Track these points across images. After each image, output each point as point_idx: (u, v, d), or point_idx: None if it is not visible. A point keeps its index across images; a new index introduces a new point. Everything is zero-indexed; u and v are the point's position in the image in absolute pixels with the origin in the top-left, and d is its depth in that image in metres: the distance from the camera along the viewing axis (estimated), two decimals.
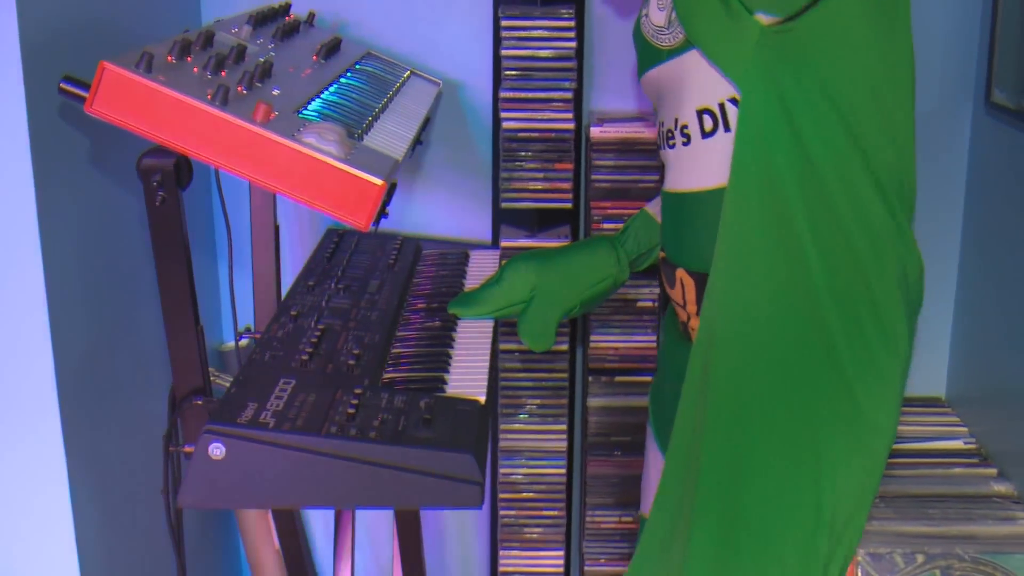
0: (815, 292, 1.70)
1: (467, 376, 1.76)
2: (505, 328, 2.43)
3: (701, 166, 1.72)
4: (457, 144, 2.52)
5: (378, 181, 1.44)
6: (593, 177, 2.39)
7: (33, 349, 1.66)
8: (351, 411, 1.56)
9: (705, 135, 1.69)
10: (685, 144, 1.73)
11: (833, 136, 1.66)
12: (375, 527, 2.77)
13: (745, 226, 1.68)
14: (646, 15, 1.81)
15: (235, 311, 2.17)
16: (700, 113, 1.69)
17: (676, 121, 1.74)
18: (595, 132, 2.36)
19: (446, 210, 2.56)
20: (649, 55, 1.81)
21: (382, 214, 1.56)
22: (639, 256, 2.03)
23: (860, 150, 1.67)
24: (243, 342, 2.34)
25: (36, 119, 1.59)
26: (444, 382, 1.74)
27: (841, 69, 1.65)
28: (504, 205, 2.37)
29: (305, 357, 1.72)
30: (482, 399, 1.67)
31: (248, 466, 1.50)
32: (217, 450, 1.48)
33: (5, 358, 1.67)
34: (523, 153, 2.34)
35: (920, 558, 2.16)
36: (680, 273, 1.83)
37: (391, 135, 1.69)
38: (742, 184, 1.67)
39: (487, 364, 1.81)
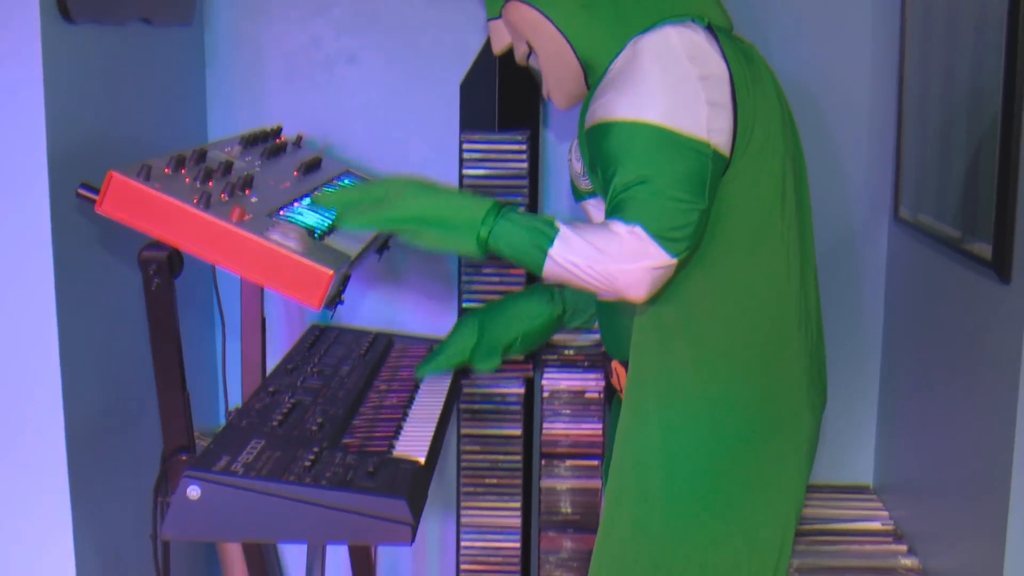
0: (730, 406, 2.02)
1: (413, 442, 2.06)
2: (467, 414, 2.74)
3: None
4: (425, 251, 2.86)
5: (328, 270, 1.77)
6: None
7: (46, 409, 1.99)
8: (308, 464, 1.86)
9: None
10: None
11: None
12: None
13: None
14: (570, 159, 2.16)
15: (227, 392, 2.50)
16: None
17: None
18: None
19: (416, 310, 2.90)
20: (576, 190, 2.16)
21: (337, 301, 1.88)
22: (577, 310, 2.32)
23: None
24: None
25: (58, 214, 1.96)
26: (392, 446, 2.04)
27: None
28: (465, 304, 2.70)
29: (275, 423, 2.03)
30: (422, 460, 1.96)
31: (220, 505, 1.80)
32: (194, 491, 1.78)
33: (22, 416, 1.99)
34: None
35: None
36: (615, 364, 2.15)
37: (350, 237, 2.02)
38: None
39: (431, 434, 2.11)
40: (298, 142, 2.59)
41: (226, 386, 2.51)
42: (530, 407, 2.80)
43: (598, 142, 1.91)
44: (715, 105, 1.88)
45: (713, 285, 1.99)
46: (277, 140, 2.49)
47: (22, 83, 1.91)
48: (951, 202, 2.37)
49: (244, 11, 2.84)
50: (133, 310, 2.32)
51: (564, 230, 1.85)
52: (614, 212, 1.86)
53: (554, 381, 2.71)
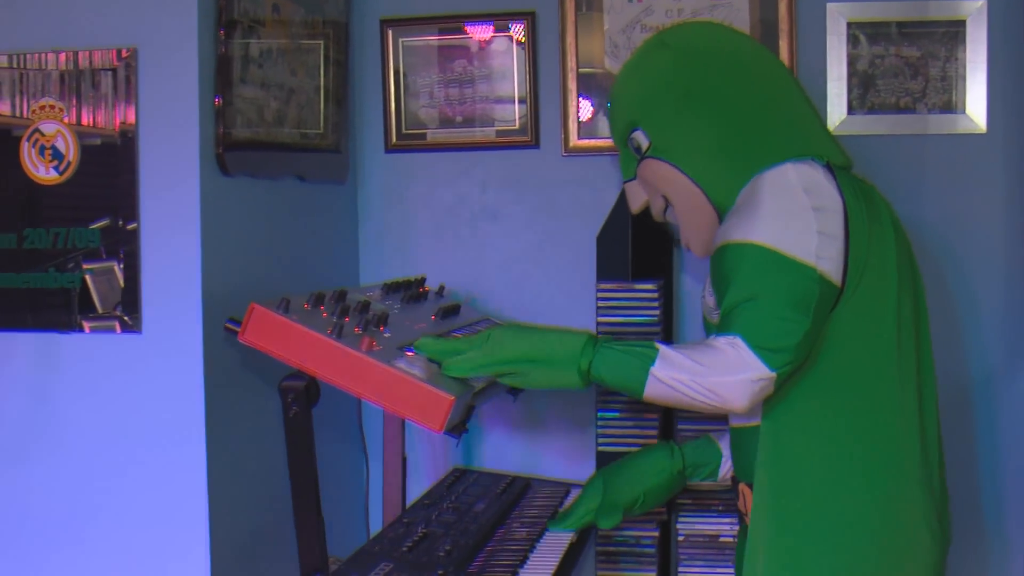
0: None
1: (537, 571, 2.13)
2: (602, 556, 2.78)
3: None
4: (562, 397, 2.96)
5: (449, 395, 1.87)
6: (679, 426, 2.77)
7: (192, 528, 2.16)
8: None
9: None
10: None
11: None
12: None
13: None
14: (703, 295, 2.26)
15: (368, 523, 2.61)
16: None
17: None
18: None
19: (554, 454, 2.98)
20: (708, 324, 2.25)
21: (462, 430, 1.98)
22: (697, 464, 2.42)
23: None
24: None
25: (209, 345, 2.18)
26: (516, 574, 2.11)
27: None
28: (600, 448, 2.77)
29: (405, 550, 2.13)
30: None
31: None
32: None
33: (169, 535, 2.14)
34: (616, 404, 2.75)
35: None
36: (742, 486, 2.21)
37: None
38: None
39: (556, 563, 2.18)
40: (440, 291, 2.73)
41: (368, 517, 2.64)
42: (665, 551, 2.83)
43: (717, 265, 2.05)
44: (826, 235, 1.99)
45: (832, 411, 2.05)
46: (420, 289, 2.64)
47: (181, 226, 2.13)
48: None
49: (395, 172, 3.04)
50: (276, 435, 2.48)
51: (664, 349, 1.95)
52: (721, 328, 1.97)
53: (688, 525, 2.74)
